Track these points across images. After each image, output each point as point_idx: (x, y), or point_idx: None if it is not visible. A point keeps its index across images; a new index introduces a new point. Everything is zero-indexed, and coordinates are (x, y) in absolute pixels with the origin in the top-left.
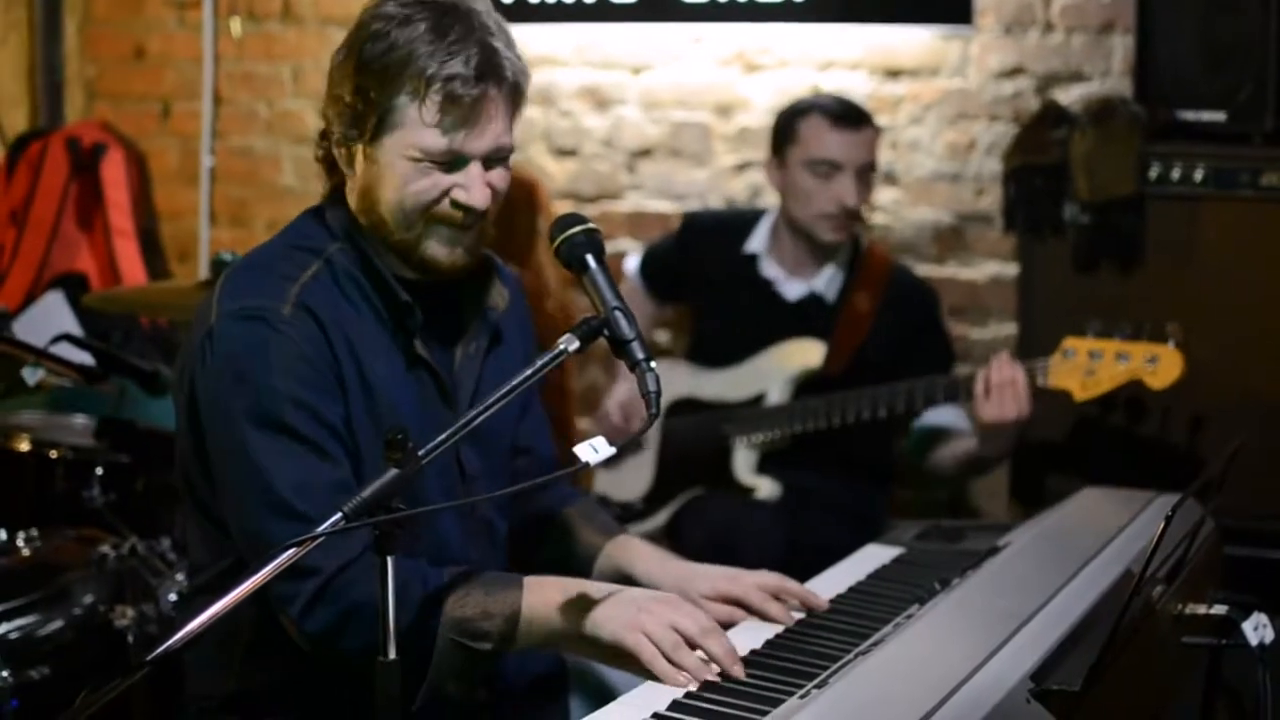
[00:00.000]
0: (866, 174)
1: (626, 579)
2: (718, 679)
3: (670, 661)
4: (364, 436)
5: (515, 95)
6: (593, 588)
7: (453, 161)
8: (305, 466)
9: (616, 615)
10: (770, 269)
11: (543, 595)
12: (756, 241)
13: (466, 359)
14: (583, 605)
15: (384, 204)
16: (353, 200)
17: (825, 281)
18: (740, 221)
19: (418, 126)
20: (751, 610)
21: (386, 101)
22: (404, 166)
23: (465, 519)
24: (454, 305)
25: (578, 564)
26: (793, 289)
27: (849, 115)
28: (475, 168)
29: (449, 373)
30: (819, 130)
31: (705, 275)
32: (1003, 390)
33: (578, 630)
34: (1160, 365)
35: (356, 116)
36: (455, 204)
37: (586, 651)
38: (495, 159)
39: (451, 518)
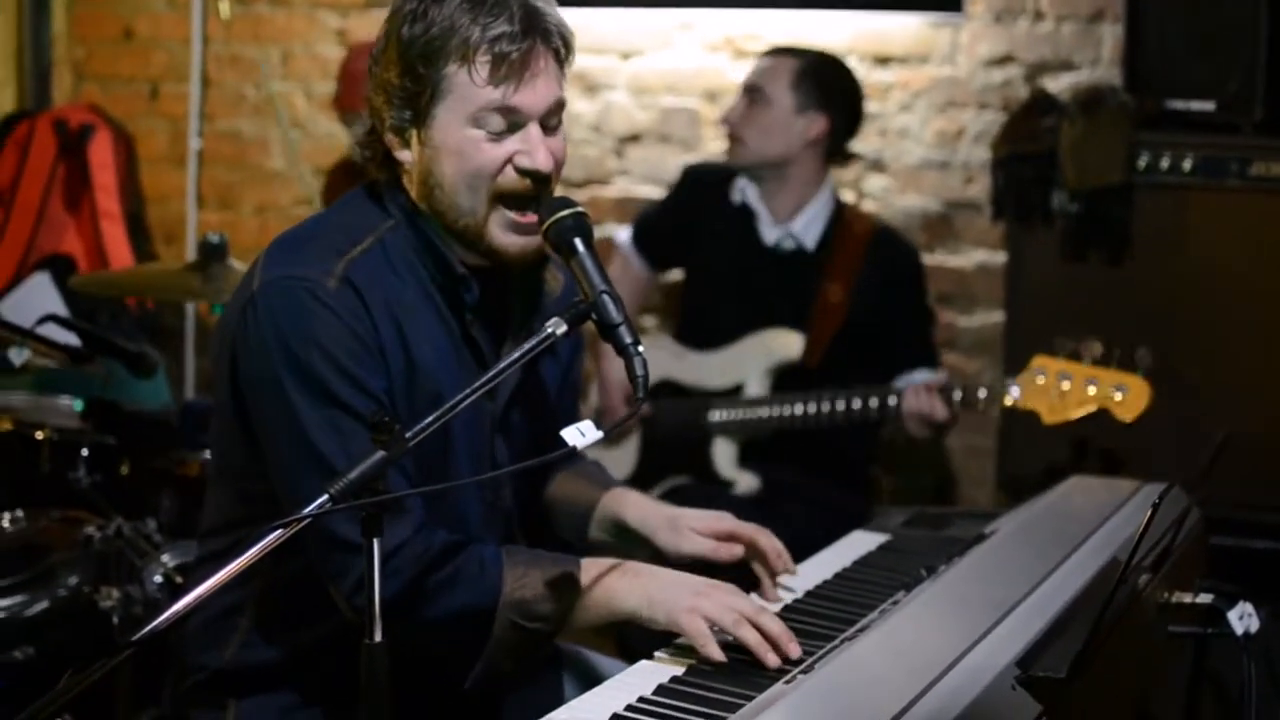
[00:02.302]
0: (749, 97)
1: (619, 526)
2: (777, 658)
3: (731, 634)
4: (403, 414)
5: (562, 51)
6: (647, 569)
7: (510, 125)
8: (354, 434)
9: (673, 598)
10: (756, 204)
11: (599, 577)
12: (742, 183)
13: (514, 350)
14: (639, 586)
15: (447, 184)
16: (413, 188)
17: (802, 226)
18: (734, 169)
19: (470, 89)
20: (741, 538)
21: (435, 74)
22: (461, 137)
23: (489, 508)
24: (505, 295)
25: (578, 518)
26: (771, 233)
27: (771, 49)
28: (534, 130)
29: (495, 360)
30: None
31: (699, 223)
32: (913, 419)
33: (633, 611)
34: (1128, 396)
35: (408, 97)
36: (520, 170)
37: (583, 636)
38: (551, 124)
39: (475, 504)
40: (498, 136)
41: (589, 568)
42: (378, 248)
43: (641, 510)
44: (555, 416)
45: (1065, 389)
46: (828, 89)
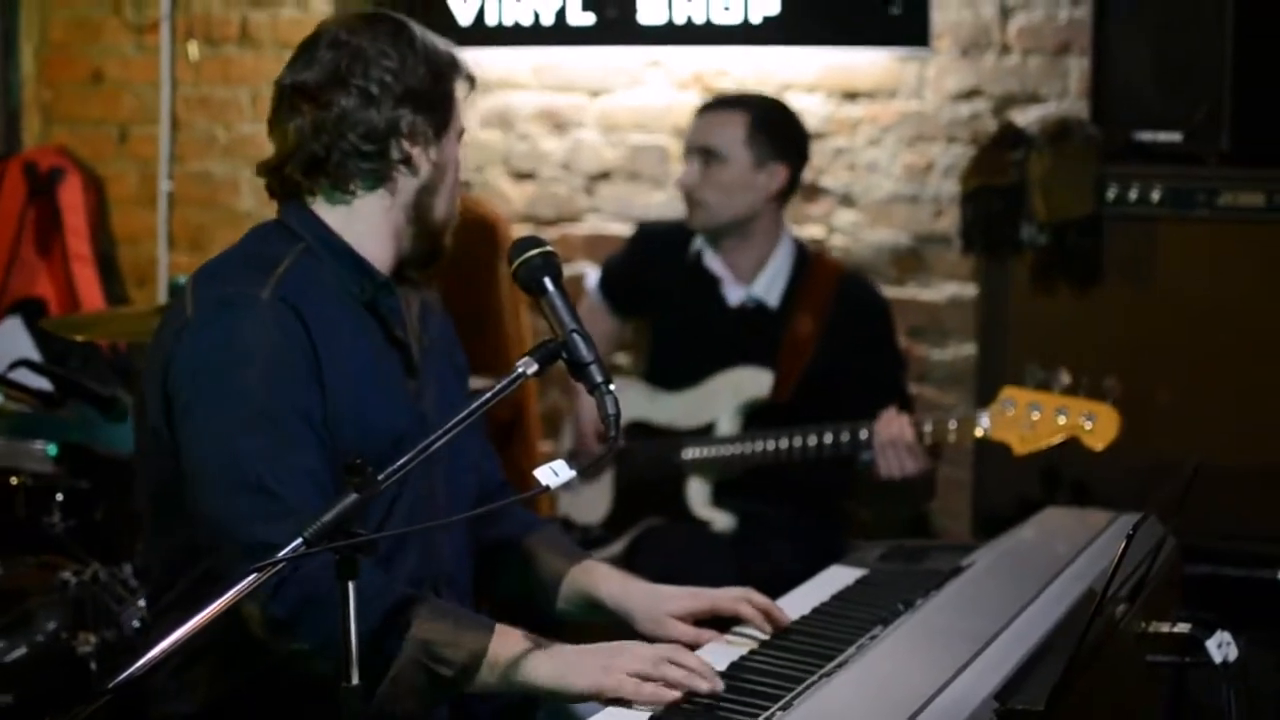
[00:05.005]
0: (705, 158)
1: (593, 602)
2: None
3: (653, 680)
4: (345, 424)
5: None
6: (558, 647)
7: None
8: (278, 448)
9: (589, 664)
10: (714, 264)
11: (509, 642)
12: (701, 238)
13: (429, 341)
14: (550, 661)
15: (442, 194)
16: (399, 208)
17: (764, 286)
18: (688, 227)
19: (460, 108)
20: (723, 613)
21: (449, 86)
22: (455, 147)
23: (426, 499)
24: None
25: (541, 590)
26: (734, 293)
27: (706, 103)
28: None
29: (419, 360)
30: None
31: (657, 281)
32: (887, 449)
33: (544, 684)
34: (1098, 424)
35: (433, 102)
36: None
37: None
38: None
39: (413, 519)
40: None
41: (501, 632)
42: (297, 267)
43: (614, 588)
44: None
45: (1035, 419)
46: (781, 137)
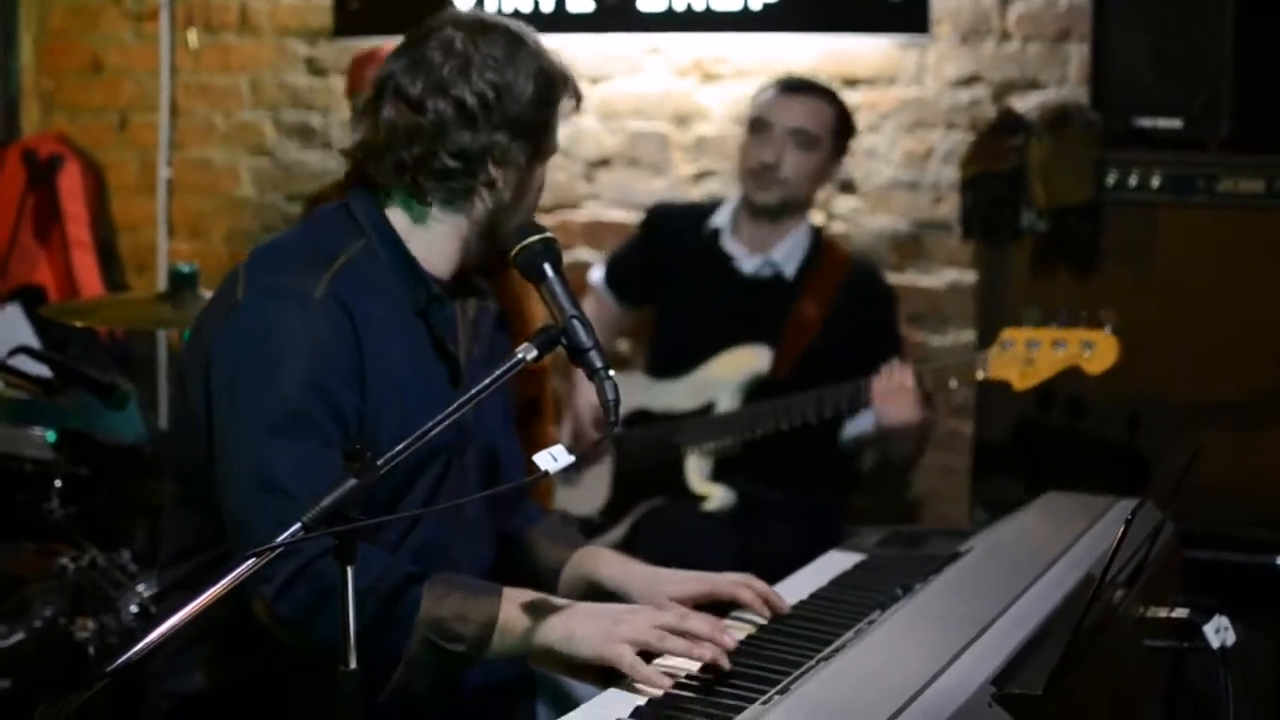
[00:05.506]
0: (798, 140)
1: (594, 586)
2: (709, 662)
3: (660, 650)
4: (380, 425)
5: None
6: (568, 604)
7: None
8: (307, 451)
9: (594, 630)
10: (731, 244)
11: (520, 607)
12: (720, 218)
13: (479, 352)
14: (559, 621)
15: (518, 215)
16: (472, 225)
17: (783, 255)
18: (703, 208)
19: (558, 130)
20: (722, 598)
21: (552, 114)
22: (544, 172)
23: (456, 479)
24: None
25: (544, 579)
26: (749, 263)
27: (792, 84)
28: None
29: (468, 369)
30: (763, 95)
31: (670, 261)
32: (890, 396)
33: (553, 645)
34: (1096, 350)
35: (531, 127)
36: None
37: (554, 665)
38: None
39: (441, 514)
40: None
41: (511, 597)
42: (358, 260)
43: (614, 571)
44: (503, 421)
45: (1034, 354)
46: (849, 130)
